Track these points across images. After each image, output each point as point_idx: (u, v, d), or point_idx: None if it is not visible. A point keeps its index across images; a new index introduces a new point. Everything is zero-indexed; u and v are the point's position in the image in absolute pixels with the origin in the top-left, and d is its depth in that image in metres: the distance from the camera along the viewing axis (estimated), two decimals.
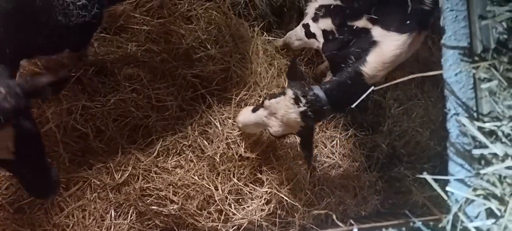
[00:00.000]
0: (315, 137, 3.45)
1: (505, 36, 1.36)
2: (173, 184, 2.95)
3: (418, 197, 3.75)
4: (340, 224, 2.69)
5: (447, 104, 1.41)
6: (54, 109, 2.84)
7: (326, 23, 2.87)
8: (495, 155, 1.33)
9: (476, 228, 1.35)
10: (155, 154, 2.98)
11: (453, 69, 1.39)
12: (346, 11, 2.75)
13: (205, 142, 3.10)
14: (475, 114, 1.41)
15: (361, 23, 2.62)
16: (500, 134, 1.35)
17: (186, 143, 3.07)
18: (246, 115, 2.87)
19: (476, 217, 1.35)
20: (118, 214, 2.78)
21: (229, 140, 3.12)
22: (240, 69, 3.39)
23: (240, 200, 3.09)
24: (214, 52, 3.30)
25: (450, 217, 1.39)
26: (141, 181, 2.89)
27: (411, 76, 1.59)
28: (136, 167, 2.91)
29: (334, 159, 3.50)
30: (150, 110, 3.04)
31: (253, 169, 3.15)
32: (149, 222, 2.89)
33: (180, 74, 3.22)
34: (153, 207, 2.85)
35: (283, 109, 2.56)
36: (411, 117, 3.93)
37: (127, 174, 2.87)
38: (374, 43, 2.51)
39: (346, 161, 3.58)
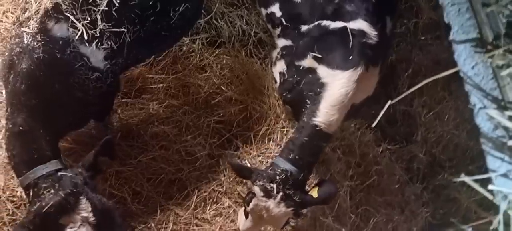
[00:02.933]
0: (346, 157, 3.54)
1: None
2: None
3: (468, 202, 3.72)
4: None
5: (471, 99, 1.44)
6: None
7: (281, 65, 2.83)
8: None
9: None
10: (192, 206, 3.12)
11: (468, 63, 1.41)
12: (293, 50, 2.72)
13: (239, 187, 3.23)
14: (502, 103, 1.44)
15: (307, 62, 2.60)
16: None
17: (222, 190, 3.21)
18: (242, 221, 2.71)
19: None
20: None
21: None
22: (258, 105, 3.56)
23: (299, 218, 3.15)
24: (231, 94, 3.50)
25: (500, 216, 1.33)
26: None
27: (425, 82, 1.58)
28: (177, 222, 3.06)
29: (372, 177, 3.55)
30: (181, 163, 3.21)
31: None
32: None
33: (204, 123, 3.41)
34: None
35: (264, 211, 2.44)
36: (444, 120, 3.96)
37: None
38: (322, 85, 2.47)
39: (384, 177, 3.61)
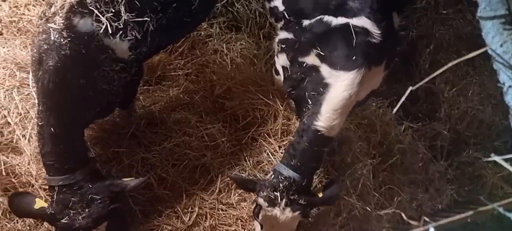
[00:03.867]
0: (368, 136, 3.56)
1: None
2: (241, 218, 3.16)
3: (494, 178, 3.73)
4: (413, 222, 2.71)
5: (500, 77, 1.43)
6: (117, 167, 3.16)
7: (283, 59, 2.80)
8: None
9: None
10: (217, 191, 3.21)
11: (497, 41, 1.39)
12: (295, 45, 2.67)
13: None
14: None
15: (311, 59, 2.55)
16: None
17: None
18: None
19: None
20: None
21: None
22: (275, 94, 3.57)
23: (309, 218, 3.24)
24: (250, 80, 3.53)
25: None
26: (210, 219, 3.13)
27: (450, 64, 1.55)
28: (202, 206, 3.15)
29: (394, 156, 3.58)
30: (205, 149, 3.29)
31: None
32: None
33: (222, 109, 3.47)
34: None
35: (274, 220, 2.48)
36: (468, 96, 3.94)
37: (195, 215, 3.11)
38: (326, 86, 2.43)
39: (407, 156, 3.63)
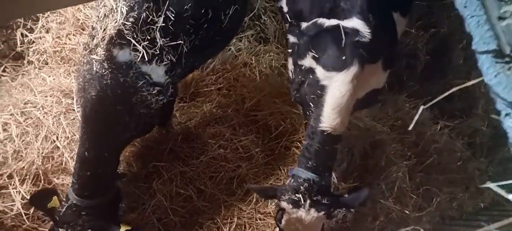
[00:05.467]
0: (402, 137, 3.58)
1: None
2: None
3: None
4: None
5: (497, 106, 1.46)
6: (157, 181, 3.39)
7: (290, 63, 2.88)
8: None
9: None
10: (254, 201, 3.36)
11: (491, 72, 1.43)
12: (296, 49, 2.76)
13: None
14: None
15: (307, 62, 2.63)
16: None
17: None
18: None
19: None
20: None
21: None
22: None
23: (347, 223, 3.32)
24: (279, 91, 3.68)
25: None
26: (249, 229, 3.28)
27: (451, 91, 1.67)
28: (241, 217, 3.31)
29: (431, 156, 3.59)
30: (240, 161, 3.45)
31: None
32: None
33: (254, 121, 3.63)
34: None
35: (299, 222, 2.54)
36: None
37: (234, 225, 3.27)
38: (322, 88, 2.51)
39: (444, 155, 3.64)
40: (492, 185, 1.42)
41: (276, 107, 3.66)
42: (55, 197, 2.68)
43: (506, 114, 1.46)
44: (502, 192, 1.43)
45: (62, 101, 3.54)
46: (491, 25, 1.47)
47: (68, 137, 3.42)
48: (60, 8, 3.77)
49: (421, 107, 1.81)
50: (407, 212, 3.28)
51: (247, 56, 3.96)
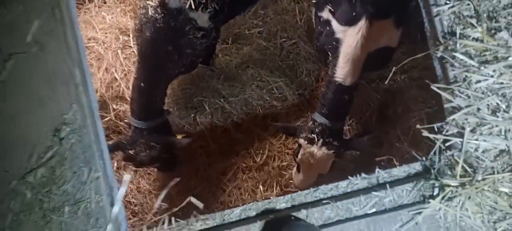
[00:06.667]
0: (423, 84, 3.71)
1: None
2: None
3: None
4: None
5: None
6: (200, 113, 3.88)
7: (313, 12, 3.07)
8: None
9: None
10: (284, 137, 3.77)
11: None
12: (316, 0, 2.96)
13: None
14: None
15: (325, 14, 2.83)
16: None
17: None
18: (296, 178, 3.29)
19: None
20: (266, 188, 3.67)
21: None
22: None
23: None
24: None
25: None
26: (278, 161, 3.73)
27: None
28: (271, 149, 3.76)
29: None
30: (274, 100, 3.85)
31: None
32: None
33: (290, 65, 3.96)
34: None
35: (312, 156, 2.91)
36: None
37: (265, 156, 3.73)
38: (338, 40, 2.73)
39: None
40: None
41: (311, 54, 3.94)
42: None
43: None
44: None
45: (119, 38, 4.04)
46: None
47: (124, 69, 3.94)
48: None
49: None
50: (421, 154, 3.52)
51: (287, 3, 4.20)
